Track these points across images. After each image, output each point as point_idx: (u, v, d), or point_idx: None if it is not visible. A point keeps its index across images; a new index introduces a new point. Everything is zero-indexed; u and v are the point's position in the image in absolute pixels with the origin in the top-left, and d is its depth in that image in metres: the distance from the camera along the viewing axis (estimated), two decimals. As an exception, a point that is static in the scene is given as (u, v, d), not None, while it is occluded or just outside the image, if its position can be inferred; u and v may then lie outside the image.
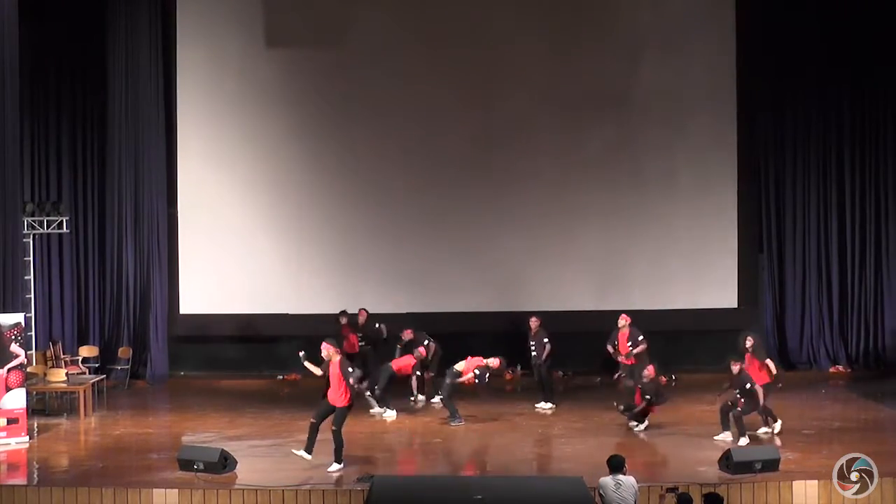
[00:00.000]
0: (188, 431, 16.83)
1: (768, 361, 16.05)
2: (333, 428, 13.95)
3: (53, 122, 21.15)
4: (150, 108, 21.00)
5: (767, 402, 15.68)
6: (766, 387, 15.68)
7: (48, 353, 19.65)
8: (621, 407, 16.16)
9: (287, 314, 20.80)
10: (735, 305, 21.46)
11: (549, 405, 17.86)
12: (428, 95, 21.31)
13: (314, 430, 14.13)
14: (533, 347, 17.96)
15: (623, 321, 17.66)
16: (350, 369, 14.08)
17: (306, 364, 14.44)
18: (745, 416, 15.26)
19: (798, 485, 12.93)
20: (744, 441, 14.99)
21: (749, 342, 15.95)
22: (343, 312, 19.25)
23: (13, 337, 15.76)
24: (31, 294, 19.25)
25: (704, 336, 21.16)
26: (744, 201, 21.54)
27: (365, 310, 19.33)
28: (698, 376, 20.24)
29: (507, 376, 20.43)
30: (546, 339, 17.81)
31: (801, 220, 21.54)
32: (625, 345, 17.58)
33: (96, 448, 15.92)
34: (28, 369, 16.73)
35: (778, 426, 15.74)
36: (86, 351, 20.48)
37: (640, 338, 17.52)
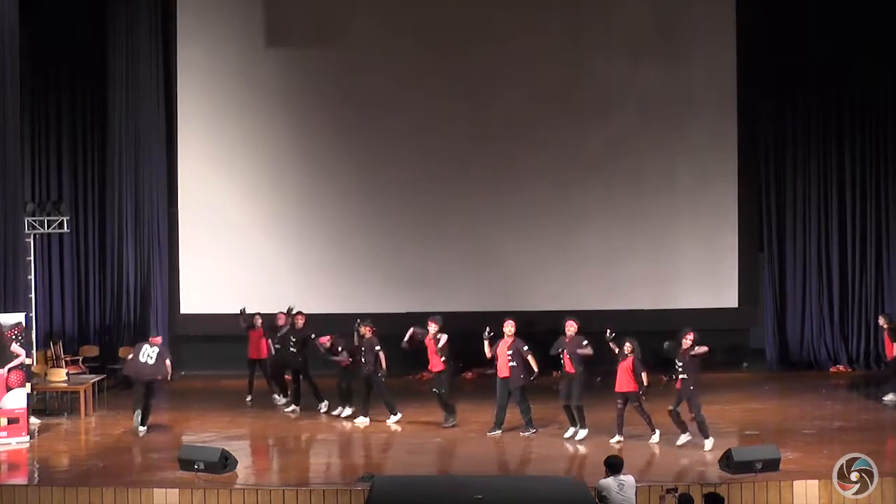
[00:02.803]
0: (188, 431, 16.83)
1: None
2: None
3: (53, 122, 21.17)
4: (150, 108, 21.03)
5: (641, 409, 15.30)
6: (633, 395, 15.19)
7: (48, 353, 19.65)
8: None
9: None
10: (735, 305, 21.48)
11: (395, 417, 16.86)
12: (428, 95, 21.33)
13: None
14: (363, 356, 16.77)
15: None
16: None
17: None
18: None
19: (798, 485, 12.92)
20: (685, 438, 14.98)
21: (628, 347, 15.21)
22: (257, 314, 18.85)
23: (14, 337, 15.76)
24: (31, 294, 19.25)
25: (704, 336, 21.10)
26: (744, 201, 21.58)
27: (282, 313, 18.55)
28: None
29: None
30: (378, 348, 16.66)
31: (802, 220, 21.56)
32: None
33: (97, 448, 15.93)
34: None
35: (657, 436, 15.27)
36: (86, 350, 20.51)
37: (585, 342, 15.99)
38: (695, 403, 14.92)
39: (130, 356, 16.62)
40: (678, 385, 15.01)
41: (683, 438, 15.04)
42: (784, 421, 16.86)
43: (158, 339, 16.75)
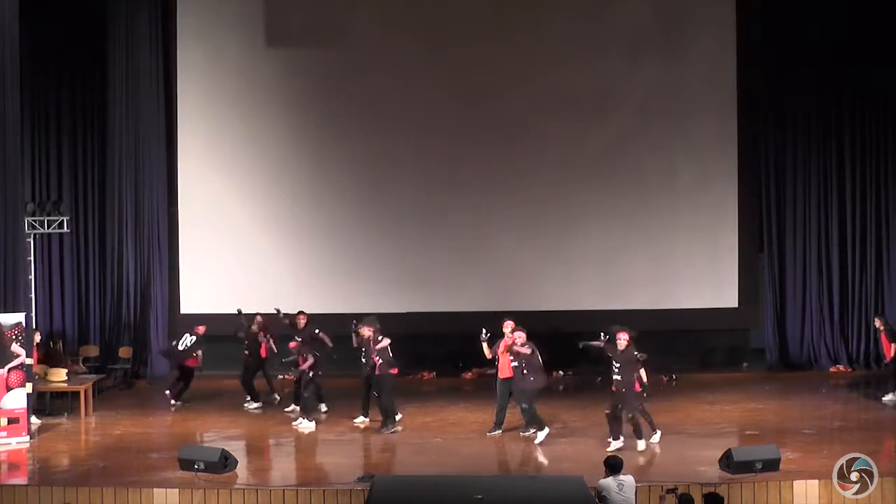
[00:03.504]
0: (188, 431, 16.84)
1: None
2: None
3: (53, 122, 21.16)
4: (150, 108, 21.02)
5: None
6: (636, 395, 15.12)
7: (48, 353, 19.63)
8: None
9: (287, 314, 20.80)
10: (735, 305, 21.46)
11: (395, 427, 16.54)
12: (428, 95, 21.32)
13: None
14: (363, 356, 16.58)
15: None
16: None
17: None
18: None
19: (798, 484, 12.93)
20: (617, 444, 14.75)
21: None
22: (257, 314, 18.71)
23: (14, 337, 15.76)
24: (31, 294, 19.25)
25: (704, 336, 21.24)
26: (744, 201, 21.56)
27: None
28: (698, 376, 20.30)
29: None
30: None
31: (802, 220, 21.55)
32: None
33: (97, 448, 15.93)
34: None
35: (657, 436, 15.15)
36: (86, 350, 20.51)
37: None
38: (631, 405, 14.77)
39: (174, 342, 18.83)
40: (613, 388, 14.85)
41: (615, 444, 14.82)
42: (784, 421, 16.87)
43: (200, 329, 18.53)
